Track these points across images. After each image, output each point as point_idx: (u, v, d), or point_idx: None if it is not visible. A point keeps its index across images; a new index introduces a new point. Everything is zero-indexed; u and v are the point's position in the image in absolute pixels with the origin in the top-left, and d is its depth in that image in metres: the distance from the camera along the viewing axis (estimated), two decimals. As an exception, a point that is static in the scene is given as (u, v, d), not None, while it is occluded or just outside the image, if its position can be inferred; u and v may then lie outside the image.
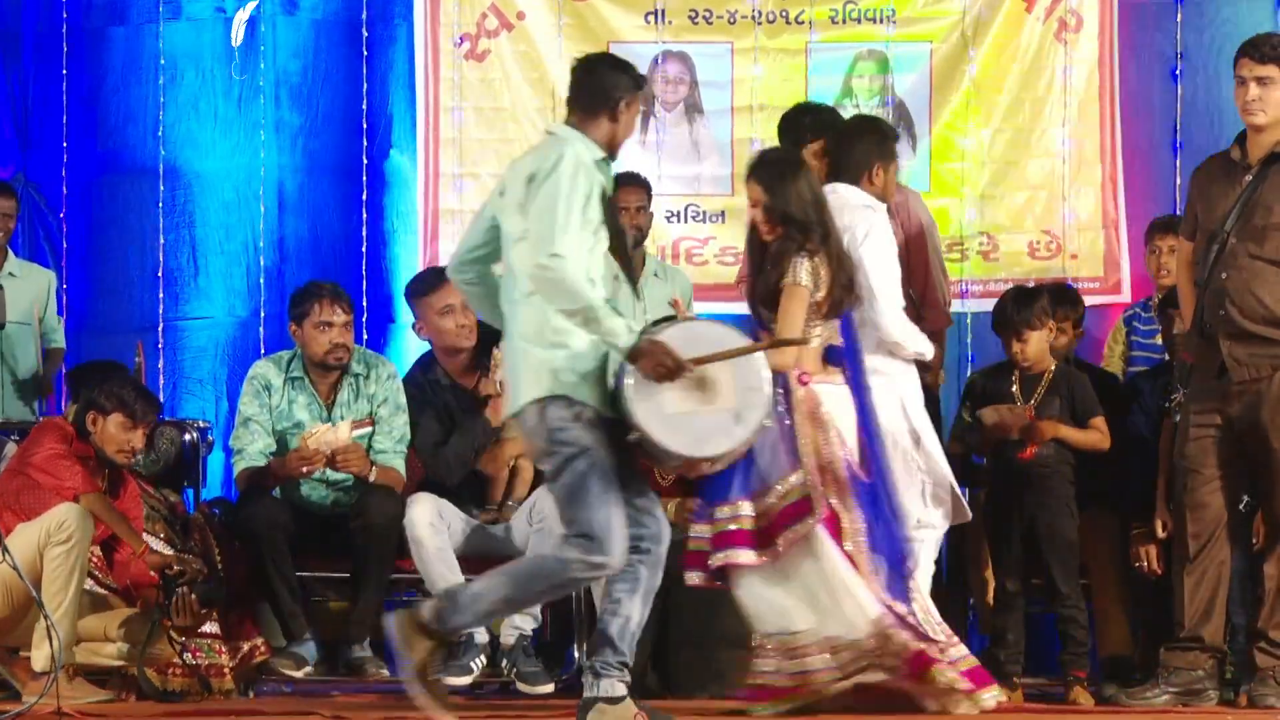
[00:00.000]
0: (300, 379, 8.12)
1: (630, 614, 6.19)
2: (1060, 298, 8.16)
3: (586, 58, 6.40)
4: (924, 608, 6.60)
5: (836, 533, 6.43)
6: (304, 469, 7.96)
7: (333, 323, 8.06)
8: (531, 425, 6.08)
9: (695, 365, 5.98)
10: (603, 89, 6.19)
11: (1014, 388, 7.72)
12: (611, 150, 6.22)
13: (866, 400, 6.65)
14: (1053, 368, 7.74)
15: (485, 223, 6.30)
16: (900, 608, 6.46)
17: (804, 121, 7.56)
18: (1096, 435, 7.67)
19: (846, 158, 7.21)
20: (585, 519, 6.01)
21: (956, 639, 6.65)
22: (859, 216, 7.04)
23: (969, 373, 9.14)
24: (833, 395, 6.56)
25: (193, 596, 7.26)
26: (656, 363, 5.94)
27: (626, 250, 6.24)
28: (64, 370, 9.33)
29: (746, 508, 6.46)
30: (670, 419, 6.01)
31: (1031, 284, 8.69)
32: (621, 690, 6.17)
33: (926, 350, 7.18)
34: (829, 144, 7.31)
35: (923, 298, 7.57)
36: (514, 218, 6.10)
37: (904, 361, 7.13)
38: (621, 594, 6.20)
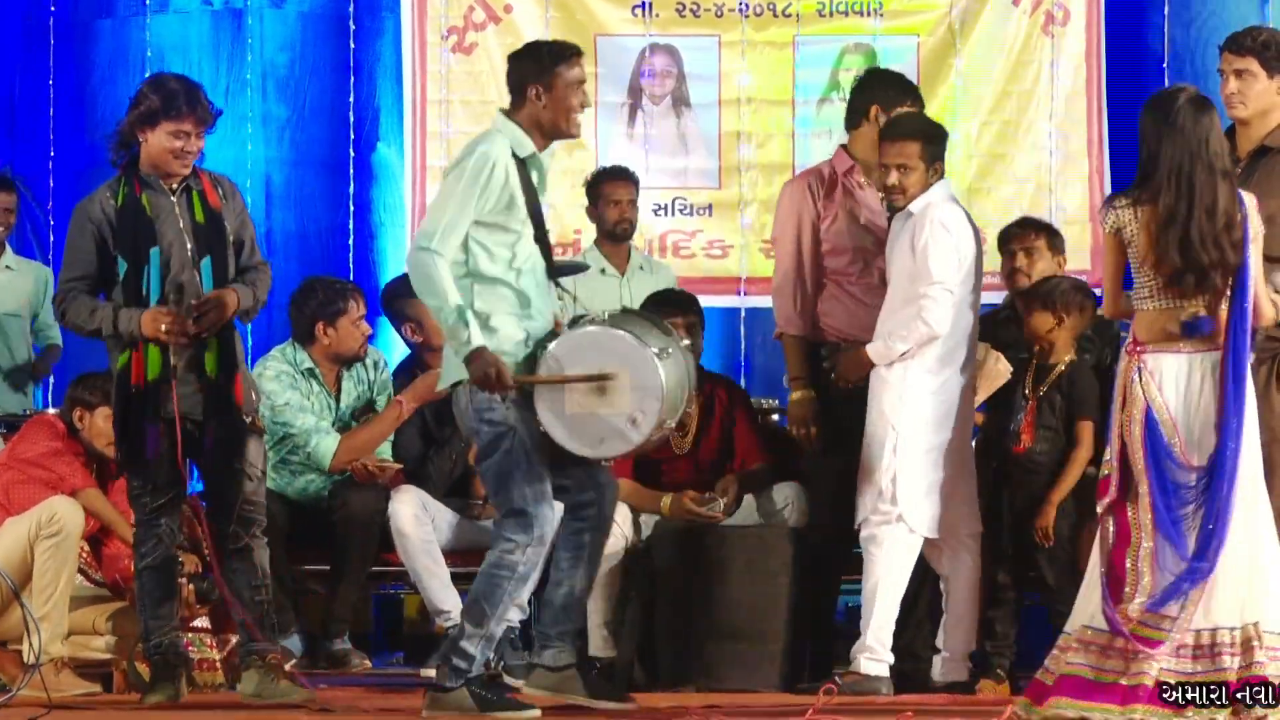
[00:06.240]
0: (311, 369, 8.10)
1: (575, 582, 6.30)
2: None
3: (516, 50, 6.40)
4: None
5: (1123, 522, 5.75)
6: None
7: (362, 317, 8.09)
8: (461, 406, 6.17)
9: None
10: (517, 79, 6.23)
11: (1026, 376, 7.64)
12: (546, 137, 6.22)
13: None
14: (1066, 360, 7.62)
15: None
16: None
17: None
18: (1081, 455, 7.52)
19: None
20: (516, 495, 6.09)
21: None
22: None
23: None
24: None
25: (189, 586, 7.24)
26: (483, 374, 6.00)
27: (547, 240, 6.26)
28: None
29: None
30: (571, 419, 6.07)
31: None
32: (566, 660, 6.29)
33: None
34: None
35: None
36: None
37: None
38: (565, 562, 6.30)
